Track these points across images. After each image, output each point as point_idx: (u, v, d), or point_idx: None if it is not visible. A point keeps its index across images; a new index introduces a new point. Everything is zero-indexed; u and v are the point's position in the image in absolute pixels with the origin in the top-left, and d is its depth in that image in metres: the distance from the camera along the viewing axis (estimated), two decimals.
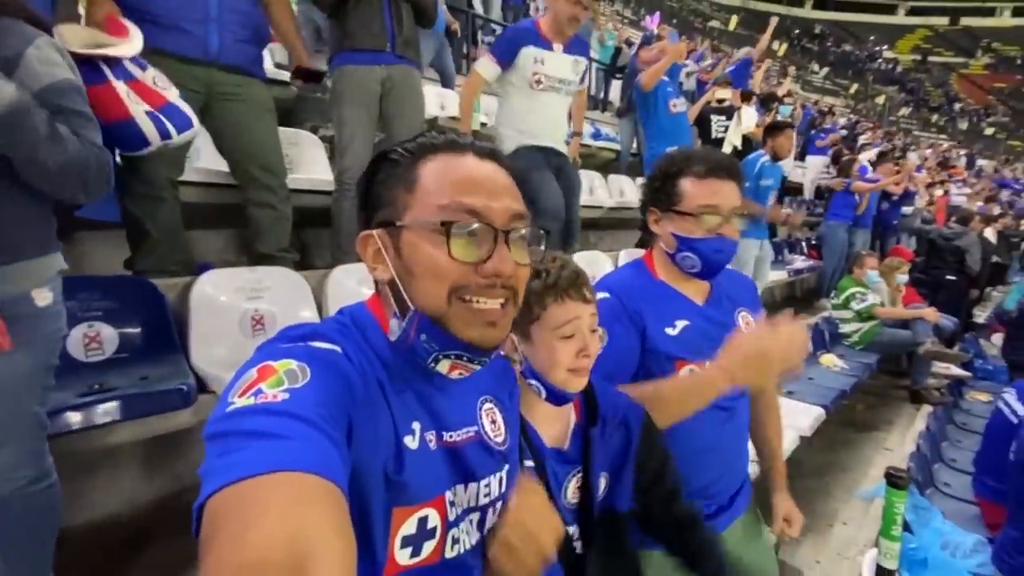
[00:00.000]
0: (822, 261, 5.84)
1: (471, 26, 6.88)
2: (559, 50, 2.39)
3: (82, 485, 1.58)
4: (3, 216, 1.09)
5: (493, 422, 0.71)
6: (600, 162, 5.90)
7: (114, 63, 1.45)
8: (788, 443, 2.13)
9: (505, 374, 0.80)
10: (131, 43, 1.53)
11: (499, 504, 0.69)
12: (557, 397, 0.83)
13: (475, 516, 0.67)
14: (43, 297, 1.13)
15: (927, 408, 3.70)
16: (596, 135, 6.24)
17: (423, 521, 0.60)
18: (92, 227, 2.00)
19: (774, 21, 6.86)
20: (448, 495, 0.63)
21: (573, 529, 0.85)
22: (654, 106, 3.76)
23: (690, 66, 7.09)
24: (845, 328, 4.19)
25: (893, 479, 1.50)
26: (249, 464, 0.43)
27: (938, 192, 9.10)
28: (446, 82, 5.32)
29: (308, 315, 2.00)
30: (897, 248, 6.07)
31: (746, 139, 4.75)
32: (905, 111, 28.81)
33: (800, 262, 5.94)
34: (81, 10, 1.77)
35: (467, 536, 0.65)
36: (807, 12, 35.26)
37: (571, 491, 0.85)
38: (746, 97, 5.20)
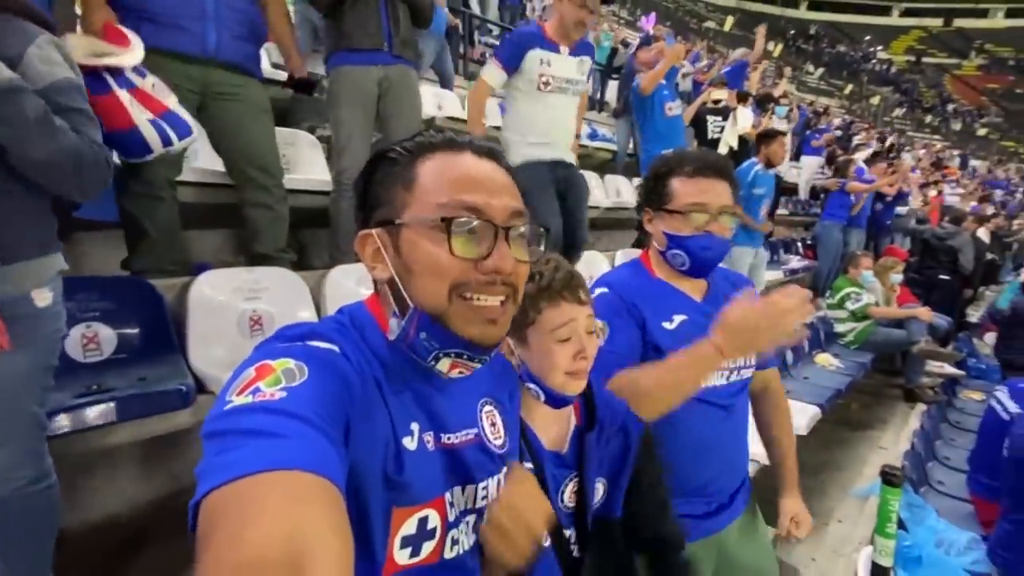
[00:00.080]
0: (817, 261, 5.87)
1: (468, 26, 6.89)
2: (565, 52, 2.38)
3: (81, 486, 1.58)
4: (2, 216, 1.09)
5: (493, 425, 0.71)
6: (596, 162, 5.92)
7: (116, 73, 1.49)
8: None
9: (505, 374, 0.80)
10: (133, 52, 1.56)
11: None
12: (556, 400, 0.83)
13: (472, 518, 0.66)
14: (43, 297, 1.13)
15: (921, 407, 3.74)
16: (592, 135, 6.26)
17: (423, 521, 0.60)
18: (90, 227, 2.00)
19: (762, 30, 6.89)
20: (447, 496, 0.63)
21: (570, 533, 0.84)
22: (650, 109, 3.77)
23: (686, 67, 7.11)
24: (840, 328, 4.22)
25: (888, 477, 1.51)
26: (246, 462, 0.43)
27: (932, 192, 9.16)
28: (444, 83, 5.33)
29: (306, 315, 2.00)
30: (891, 248, 6.10)
31: (742, 140, 4.77)
32: (899, 112, 28.94)
33: (795, 262, 5.98)
34: (78, 10, 1.77)
35: (466, 537, 0.65)
36: (802, 13, 35.43)
37: (568, 495, 0.85)
38: (742, 98, 5.22)
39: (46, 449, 1.20)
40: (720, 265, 1.20)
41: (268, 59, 3.36)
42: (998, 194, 12.60)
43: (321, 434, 0.48)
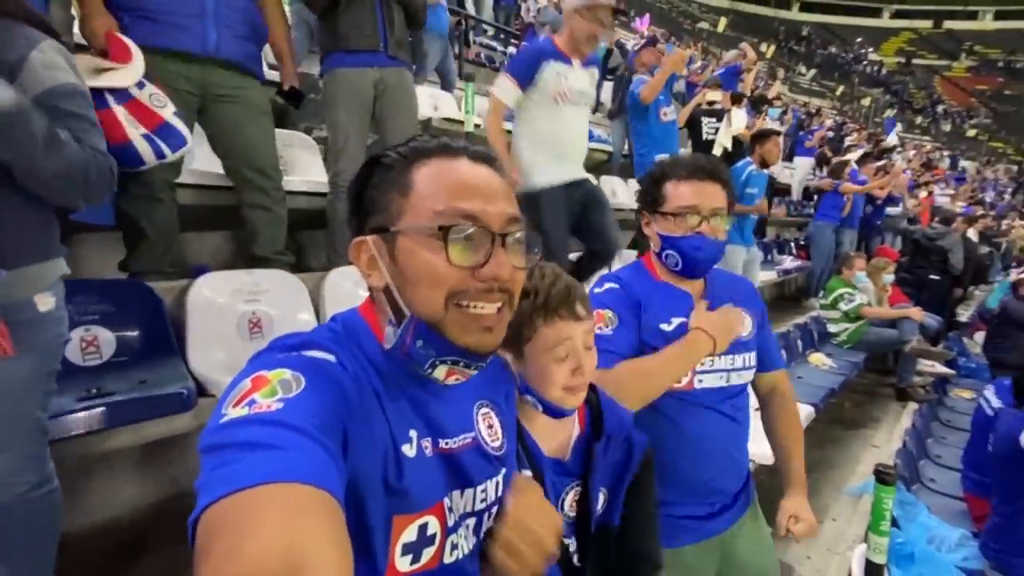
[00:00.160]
0: (810, 261, 5.93)
1: (464, 27, 6.89)
2: (577, 65, 2.34)
3: (81, 490, 1.58)
4: (4, 222, 1.08)
5: (490, 427, 0.70)
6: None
7: (116, 88, 1.50)
8: None
9: (500, 375, 0.79)
10: (134, 67, 1.59)
11: (495, 508, 0.68)
12: (554, 412, 0.81)
13: (471, 521, 0.66)
14: (45, 302, 1.13)
15: (913, 405, 3.79)
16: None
17: (423, 528, 0.60)
18: (88, 230, 1.98)
19: (745, 47, 7.04)
20: (446, 501, 0.63)
21: (570, 541, 0.82)
22: (645, 114, 3.77)
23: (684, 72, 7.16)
24: (833, 328, 4.27)
25: (881, 475, 1.53)
26: (244, 476, 0.43)
27: (922, 193, 9.27)
28: (446, 85, 5.33)
29: (306, 317, 2.00)
30: (882, 248, 6.17)
31: (736, 141, 4.80)
32: (890, 113, 29.21)
33: (789, 262, 6.03)
34: (74, 11, 1.76)
35: (465, 541, 0.65)
36: (794, 15, 35.67)
37: (568, 503, 0.83)
38: (736, 99, 5.25)
39: (48, 454, 1.20)
40: (717, 266, 1.23)
41: (264, 60, 3.34)
42: (990, 195, 12.74)
43: (319, 445, 0.47)
